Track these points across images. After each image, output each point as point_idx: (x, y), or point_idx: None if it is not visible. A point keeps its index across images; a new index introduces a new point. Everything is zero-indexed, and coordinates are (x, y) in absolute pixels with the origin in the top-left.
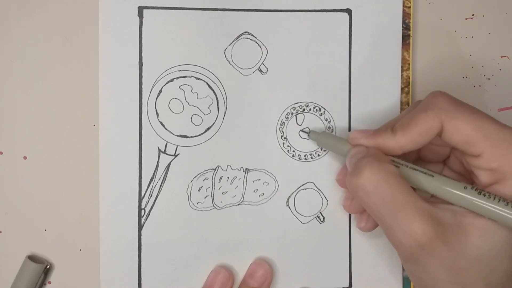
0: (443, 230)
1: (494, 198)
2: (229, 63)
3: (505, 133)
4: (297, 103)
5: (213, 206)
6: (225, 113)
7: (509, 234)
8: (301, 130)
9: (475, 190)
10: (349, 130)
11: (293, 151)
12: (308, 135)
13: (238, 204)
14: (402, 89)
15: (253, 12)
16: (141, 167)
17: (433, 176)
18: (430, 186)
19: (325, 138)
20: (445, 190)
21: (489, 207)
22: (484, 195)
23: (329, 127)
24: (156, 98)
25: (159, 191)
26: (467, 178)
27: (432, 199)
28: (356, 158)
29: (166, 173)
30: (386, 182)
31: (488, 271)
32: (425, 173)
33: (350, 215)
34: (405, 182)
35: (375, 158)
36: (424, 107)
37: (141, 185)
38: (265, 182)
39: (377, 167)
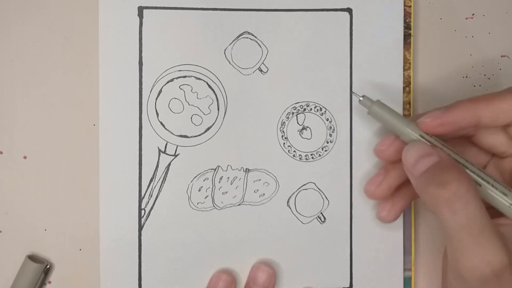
0: None
1: None
2: (229, 63)
3: None
4: (298, 102)
5: (213, 206)
6: (225, 113)
7: None
8: (354, 92)
9: None
10: (351, 129)
11: (294, 151)
12: (360, 101)
13: (239, 205)
14: (403, 88)
15: (253, 12)
16: (141, 167)
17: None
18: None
19: (382, 111)
20: None
21: None
22: None
23: (330, 127)
24: (156, 98)
25: (159, 191)
26: None
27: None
28: (428, 162)
29: (166, 173)
30: (473, 202)
31: None
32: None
33: (351, 216)
34: (483, 204)
35: (463, 173)
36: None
37: (141, 185)
38: (266, 182)
39: (467, 184)
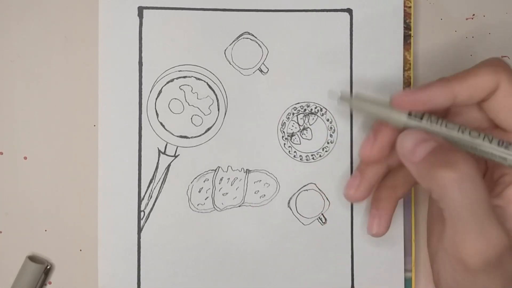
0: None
1: None
2: (229, 63)
3: None
4: (298, 103)
5: (214, 207)
6: (225, 114)
7: None
8: (331, 91)
9: None
10: (351, 131)
11: (294, 151)
12: (339, 99)
13: (239, 206)
14: (403, 89)
15: (253, 12)
16: (140, 168)
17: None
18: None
19: (361, 102)
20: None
21: None
22: None
23: (331, 128)
24: (156, 98)
25: (159, 192)
26: None
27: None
28: (428, 146)
29: (166, 174)
30: (480, 182)
31: None
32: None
33: (352, 216)
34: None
35: (467, 154)
36: (485, 63)
37: (140, 186)
38: (266, 183)
39: (473, 164)
